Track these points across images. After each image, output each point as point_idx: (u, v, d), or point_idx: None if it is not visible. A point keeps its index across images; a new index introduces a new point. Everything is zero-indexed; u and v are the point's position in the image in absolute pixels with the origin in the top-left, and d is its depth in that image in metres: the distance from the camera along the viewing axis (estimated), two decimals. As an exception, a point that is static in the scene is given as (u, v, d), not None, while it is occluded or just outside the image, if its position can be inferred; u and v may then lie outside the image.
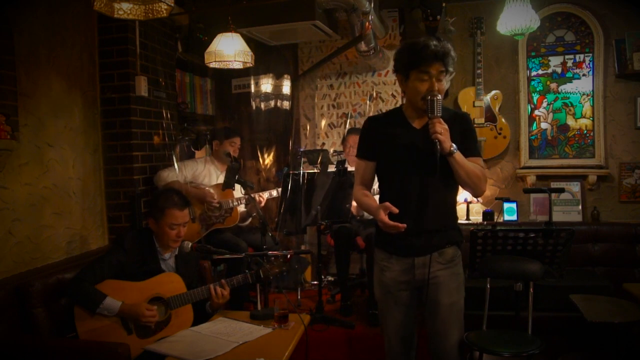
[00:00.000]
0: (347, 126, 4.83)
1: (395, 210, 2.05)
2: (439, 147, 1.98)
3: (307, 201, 3.50)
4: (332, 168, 3.75)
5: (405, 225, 2.03)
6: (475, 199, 4.35)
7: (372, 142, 2.24)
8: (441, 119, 2.02)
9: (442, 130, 1.99)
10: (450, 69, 2.09)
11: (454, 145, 2.03)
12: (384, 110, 4.79)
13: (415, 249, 2.15)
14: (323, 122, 4.99)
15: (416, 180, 2.10)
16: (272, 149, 5.10)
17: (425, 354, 2.32)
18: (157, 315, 2.43)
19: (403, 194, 2.14)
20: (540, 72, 4.44)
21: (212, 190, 3.65)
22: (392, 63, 2.44)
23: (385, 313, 2.28)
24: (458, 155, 2.05)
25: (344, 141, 4.32)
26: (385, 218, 2.04)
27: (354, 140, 4.13)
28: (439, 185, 2.11)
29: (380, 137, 2.21)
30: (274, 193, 3.87)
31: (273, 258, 2.69)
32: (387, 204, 2.06)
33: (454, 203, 2.28)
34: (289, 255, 2.71)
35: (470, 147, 2.14)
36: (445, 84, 2.13)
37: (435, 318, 2.20)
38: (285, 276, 2.74)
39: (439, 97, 2.03)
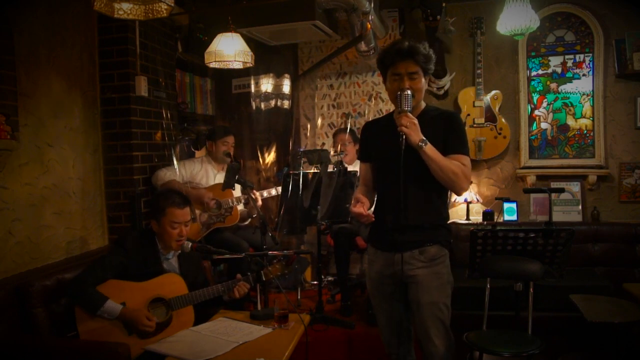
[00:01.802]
0: (348, 126, 4.84)
1: (365, 201, 2.20)
2: (404, 139, 2.08)
3: (307, 201, 3.50)
4: (331, 168, 3.76)
5: (371, 214, 2.15)
6: (475, 199, 4.35)
7: (367, 145, 2.40)
8: (409, 114, 2.11)
9: (408, 123, 2.08)
10: (429, 67, 2.18)
11: (424, 139, 2.09)
12: (383, 110, 4.81)
13: (396, 245, 2.19)
14: (323, 122, 4.99)
15: (398, 177, 2.12)
16: (272, 149, 5.10)
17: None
18: (155, 326, 2.42)
19: (387, 190, 2.25)
20: (540, 72, 4.43)
21: (209, 192, 3.63)
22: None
23: (375, 306, 2.38)
24: (429, 149, 2.10)
25: (335, 142, 4.37)
26: (355, 208, 2.15)
27: (342, 139, 4.21)
28: (422, 183, 2.17)
29: (373, 140, 2.36)
30: (273, 192, 3.87)
31: (276, 261, 2.69)
32: (360, 196, 2.22)
33: (439, 201, 2.26)
34: (291, 259, 2.71)
35: (453, 144, 2.18)
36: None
37: (417, 317, 2.24)
38: (286, 277, 2.74)
39: (407, 92, 2.12)
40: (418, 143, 2.08)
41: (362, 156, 2.46)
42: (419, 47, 2.13)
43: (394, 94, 2.16)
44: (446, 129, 2.19)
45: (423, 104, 2.28)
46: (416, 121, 2.10)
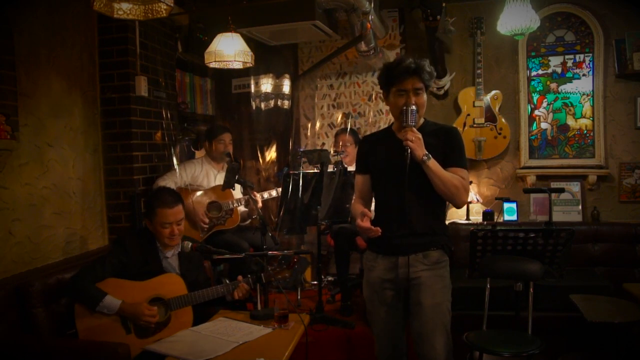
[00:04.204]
0: (348, 126, 4.83)
1: (371, 215, 2.20)
2: (409, 153, 2.14)
3: (308, 201, 3.50)
4: (331, 168, 3.76)
5: (379, 229, 2.16)
6: (475, 199, 4.35)
7: (365, 158, 2.41)
8: (414, 128, 2.17)
9: (413, 138, 2.14)
10: (429, 84, 2.24)
11: (428, 153, 2.15)
12: (384, 110, 4.81)
13: (400, 249, 2.23)
14: (323, 122, 4.99)
15: (402, 189, 2.17)
16: (272, 149, 5.09)
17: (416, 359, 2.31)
18: (157, 316, 2.43)
19: (389, 200, 2.28)
20: (540, 72, 4.43)
21: (203, 212, 3.61)
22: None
23: (372, 313, 2.38)
24: (432, 164, 2.16)
25: (335, 143, 4.37)
26: (362, 223, 2.17)
27: (342, 139, 4.20)
28: (424, 194, 2.21)
29: (371, 152, 2.38)
30: (273, 193, 3.87)
31: (277, 264, 2.69)
32: (366, 210, 2.21)
33: (439, 210, 2.33)
34: (292, 263, 2.70)
35: (452, 157, 2.25)
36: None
37: (418, 319, 2.24)
38: (287, 279, 2.74)
39: (413, 107, 2.17)
40: (422, 157, 2.14)
41: (360, 169, 2.45)
42: (425, 64, 2.19)
43: (398, 110, 2.20)
44: (446, 143, 2.25)
45: (422, 119, 2.32)
46: (420, 136, 2.16)
